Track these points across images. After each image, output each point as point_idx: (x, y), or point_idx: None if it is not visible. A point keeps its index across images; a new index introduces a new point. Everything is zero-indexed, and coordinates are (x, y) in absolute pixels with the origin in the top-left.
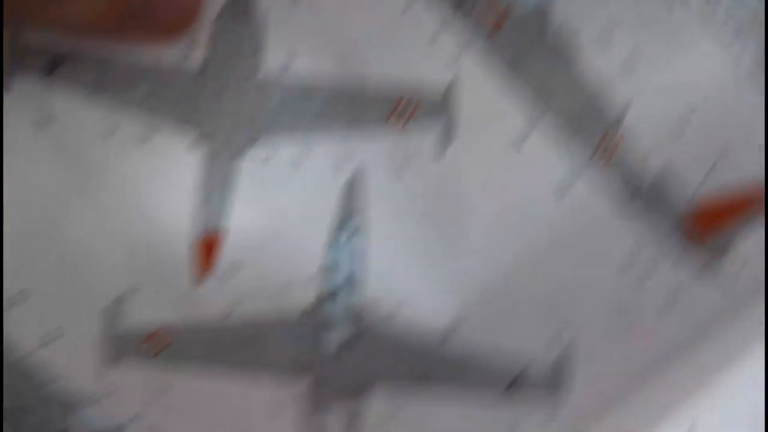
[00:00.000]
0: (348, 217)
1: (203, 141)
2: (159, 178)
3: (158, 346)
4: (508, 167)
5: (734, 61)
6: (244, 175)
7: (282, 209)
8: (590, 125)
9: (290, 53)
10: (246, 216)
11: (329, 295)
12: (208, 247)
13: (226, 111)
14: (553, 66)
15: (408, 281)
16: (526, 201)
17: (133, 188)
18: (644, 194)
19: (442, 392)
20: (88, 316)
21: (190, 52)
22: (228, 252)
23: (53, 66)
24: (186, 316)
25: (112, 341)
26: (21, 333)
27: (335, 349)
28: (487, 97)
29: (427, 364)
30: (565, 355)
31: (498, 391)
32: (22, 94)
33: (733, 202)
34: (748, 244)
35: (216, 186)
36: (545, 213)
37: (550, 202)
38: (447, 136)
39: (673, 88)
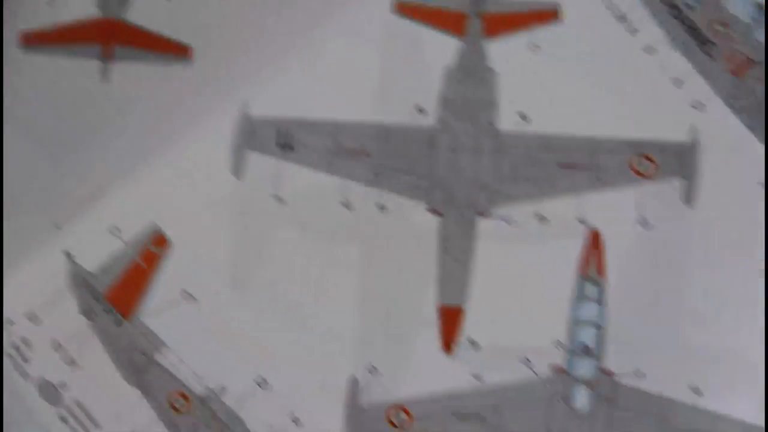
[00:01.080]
0: (594, 272)
1: (441, 203)
2: (401, 245)
3: (401, 420)
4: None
5: None
6: (485, 238)
7: (524, 270)
8: None
9: (523, 104)
10: (485, 287)
11: (577, 354)
12: (450, 320)
13: (463, 169)
14: None
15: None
16: None
17: (375, 257)
18: None
19: None
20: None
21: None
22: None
23: (289, 143)
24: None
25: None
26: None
27: (588, 406)
28: (731, 142)
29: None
30: None
31: None
32: (258, 171)
33: None
34: None
35: (456, 251)
36: None
37: None
38: (692, 182)
39: None
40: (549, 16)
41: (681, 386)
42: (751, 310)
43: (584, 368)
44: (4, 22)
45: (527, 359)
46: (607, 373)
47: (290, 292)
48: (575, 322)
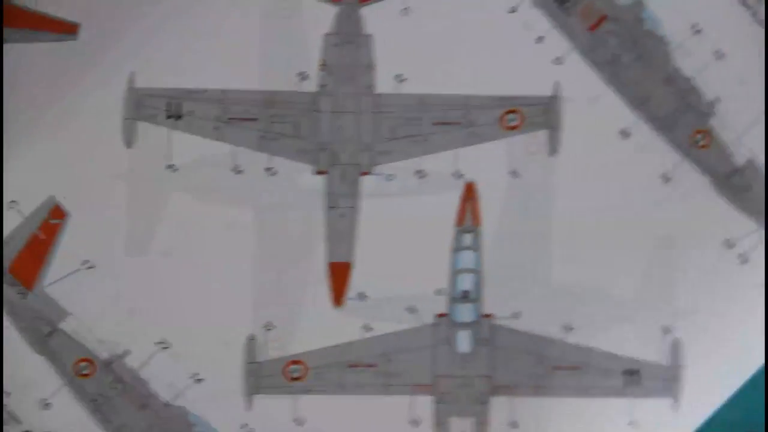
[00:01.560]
0: (470, 222)
1: (326, 165)
2: (290, 206)
3: (296, 374)
4: (618, 156)
5: None
6: (368, 195)
7: (407, 224)
8: (685, 119)
9: (399, 66)
10: (370, 242)
11: (458, 300)
12: (339, 275)
13: (346, 131)
14: (647, 67)
15: (522, 289)
16: (636, 186)
17: (266, 219)
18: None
19: (561, 390)
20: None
21: (306, 77)
22: (355, 283)
23: (177, 112)
24: (324, 341)
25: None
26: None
27: (469, 348)
28: (590, 96)
29: (546, 366)
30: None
31: (617, 380)
32: (150, 142)
33: None
34: None
35: (341, 208)
36: (653, 196)
37: (658, 185)
38: (555, 134)
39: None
40: None
41: (554, 324)
42: (612, 248)
43: (465, 313)
44: None
45: (413, 308)
46: (486, 316)
47: (186, 256)
48: (455, 271)
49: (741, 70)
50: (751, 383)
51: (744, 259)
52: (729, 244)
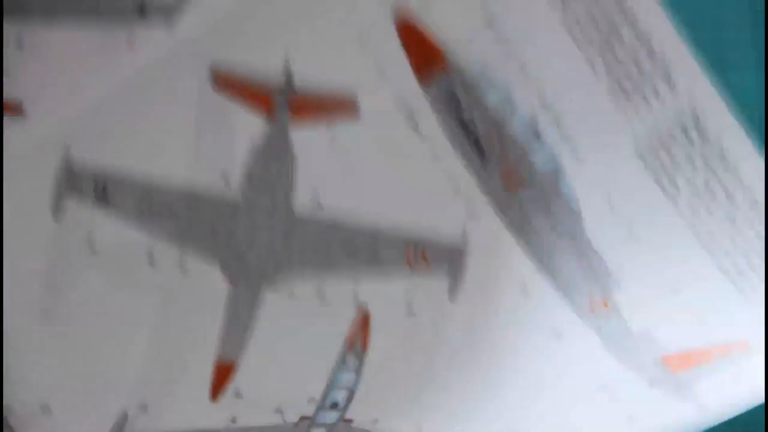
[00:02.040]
0: (356, 346)
1: (235, 272)
2: (194, 303)
3: None
4: (516, 311)
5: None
6: (269, 308)
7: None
8: (587, 283)
9: (318, 191)
10: (260, 349)
11: (325, 409)
12: (222, 374)
13: (258, 244)
14: (559, 231)
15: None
16: (530, 342)
17: (169, 311)
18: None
19: None
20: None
21: (228, 184)
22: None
23: (103, 193)
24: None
25: None
26: None
27: None
28: (497, 250)
29: None
30: None
31: None
32: (74, 218)
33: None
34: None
35: (241, 315)
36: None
37: (551, 341)
38: (457, 281)
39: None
40: (349, 110)
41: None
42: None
43: (328, 418)
44: None
45: (281, 409)
46: (346, 420)
47: (87, 328)
48: (332, 386)
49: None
50: None
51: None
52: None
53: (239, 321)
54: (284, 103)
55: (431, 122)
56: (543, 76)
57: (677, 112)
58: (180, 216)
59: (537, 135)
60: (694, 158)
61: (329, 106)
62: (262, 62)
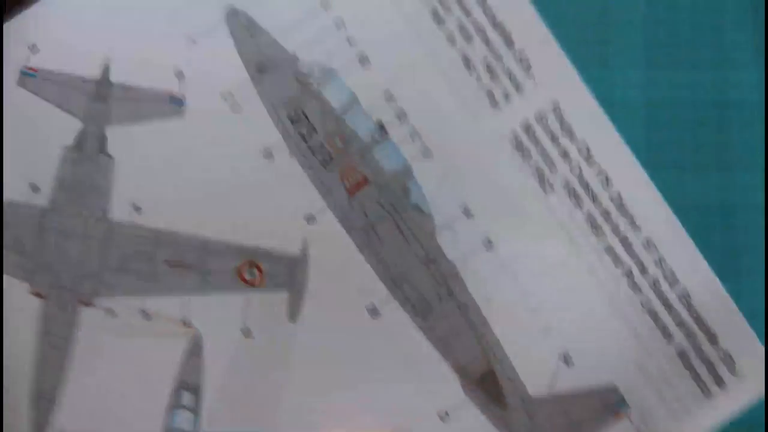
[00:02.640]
0: (190, 377)
1: (46, 285)
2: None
3: None
4: (366, 333)
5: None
6: (86, 326)
7: (125, 368)
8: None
9: (137, 193)
10: (83, 380)
11: None
12: (45, 411)
13: (70, 254)
14: (405, 244)
15: None
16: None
17: None
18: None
19: None
20: None
21: (37, 191)
22: (61, 421)
23: None
24: None
25: None
26: None
27: None
28: (340, 263)
29: None
30: None
31: None
32: None
33: None
34: None
35: (57, 341)
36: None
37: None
38: (297, 298)
39: None
40: (172, 105)
41: None
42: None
43: None
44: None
45: None
46: None
47: None
48: (168, 429)
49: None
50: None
51: None
52: None
53: (54, 344)
54: (101, 98)
55: (261, 115)
56: (386, 67)
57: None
58: None
59: (381, 126)
60: (559, 152)
61: (150, 101)
62: (79, 60)
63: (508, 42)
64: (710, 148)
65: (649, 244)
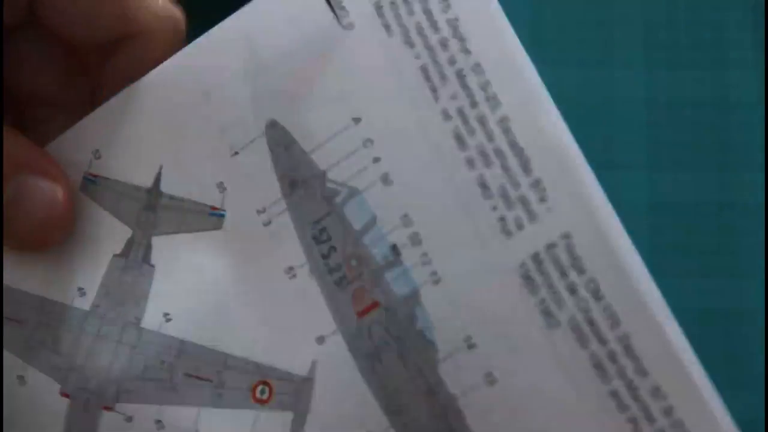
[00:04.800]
0: None
1: (74, 390)
2: (30, 422)
3: None
4: None
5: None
6: (108, 428)
7: None
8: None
9: (168, 309)
10: None
11: None
12: None
13: (101, 358)
14: (408, 374)
15: None
16: None
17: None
18: None
19: None
20: None
21: (84, 293)
22: None
23: None
24: None
25: None
26: None
27: None
28: (344, 387)
29: None
30: None
31: None
32: None
33: None
34: None
35: None
36: None
37: None
38: (301, 418)
39: None
40: (213, 220)
41: None
42: None
43: None
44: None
45: None
46: None
47: None
48: None
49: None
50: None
51: None
52: None
53: None
54: (151, 207)
55: (289, 232)
56: (407, 189)
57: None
58: (27, 323)
59: (396, 255)
60: (570, 285)
61: (194, 212)
62: (135, 167)
63: (527, 169)
64: (710, 148)
65: (657, 392)
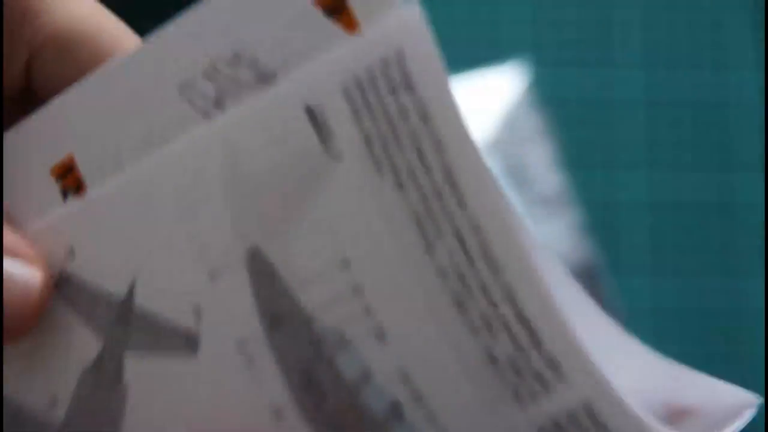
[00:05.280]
0: None
1: None
2: None
3: None
4: None
5: None
6: None
7: None
8: None
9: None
10: None
11: None
12: None
13: None
14: None
15: None
16: None
17: None
18: None
19: None
20: None
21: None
22: None
23: None
24: None
25: None
26: None
27: None
28: None
29: None
30: None
31: None
32: None
33: None
34: None
35: None
36: None
37: None
38: None
39: None
40: (187, 345)
41: None
42: None
43: None
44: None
45: None
46: None
47: None
48: None
49: None
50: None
51: None
52: None
53: None
54: (123, 320)
55: (273, 371)
56: (401, 344)
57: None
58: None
59: (397, 412)
60: None
61: (167, 335)
62: (110, 272)
63: (535, 342)
64: (710, 148)
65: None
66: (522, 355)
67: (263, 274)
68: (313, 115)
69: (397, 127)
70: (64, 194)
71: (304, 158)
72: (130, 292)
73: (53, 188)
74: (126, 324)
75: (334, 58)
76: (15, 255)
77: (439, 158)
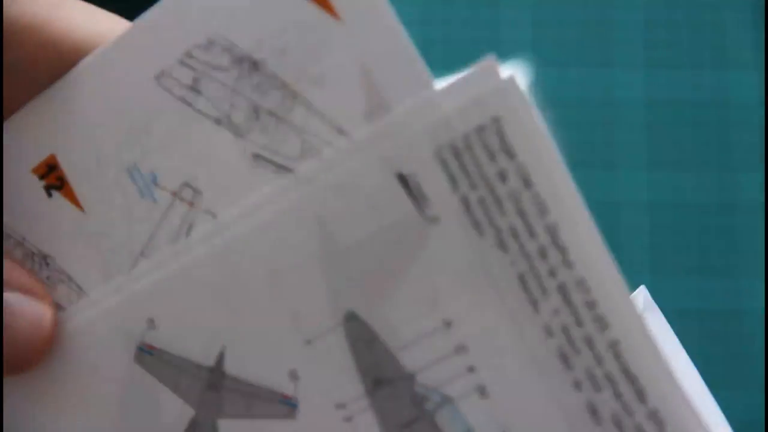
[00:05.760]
0: None
1: None
2: None
3: None
4: None
5: None
6: None
7: None
8: None
9: None
10: None
11: None
12: None
13: None
14: None
15: None
16: None
17: None
18: None
19: None
20: None
21: None
22: None
23: None
24: None
25: None
26: None
27: None
28: None
29: None
30: None
31: None
32: None
33: None
34: None
35: None
36: None
37: None
38: None
39: None
40: (284, 412)
41: None
42: None
43: None
44: None
45: None
46: None
47: None
48: None
49: None
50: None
51: None
52: None
53: None
54: (214, 387)
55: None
56: (504, 403)
57: None
58: None
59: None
60: None
61: (262, 399)
62: (195, 343)
63: (641, 397)
64: (710, 148)
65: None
66: (625, 410)
67: (362, 337)
68: (405, 183)
69: (497, 189)
70: (48, 192)
71: (399, 225)
72: (220, 359)
73: (36, 186)
74: (217, 390)
75: (424, 126)
76: (26, 292)
77: (543, 219)
